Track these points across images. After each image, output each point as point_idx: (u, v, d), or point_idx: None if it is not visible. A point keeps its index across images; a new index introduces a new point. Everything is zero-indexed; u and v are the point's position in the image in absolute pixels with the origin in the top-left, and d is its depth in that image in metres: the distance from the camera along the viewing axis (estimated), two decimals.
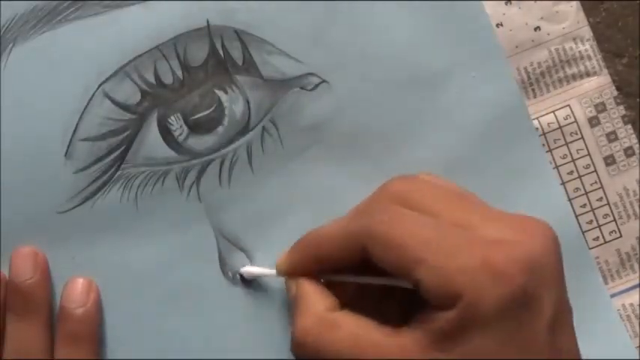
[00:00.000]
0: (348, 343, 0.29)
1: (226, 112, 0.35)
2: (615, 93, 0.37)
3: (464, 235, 0.28)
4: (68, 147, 0.34)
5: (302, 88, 0.35)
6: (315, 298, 0.31)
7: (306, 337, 0.29)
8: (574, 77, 0.37)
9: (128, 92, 0.34)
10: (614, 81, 0.37)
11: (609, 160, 0.37)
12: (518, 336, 0.27)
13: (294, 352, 0.30)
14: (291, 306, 0.32)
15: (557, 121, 0.37)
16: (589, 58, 0.37)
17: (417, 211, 0.29)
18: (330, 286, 0.31)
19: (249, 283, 0.35)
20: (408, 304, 0.30)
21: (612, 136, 0.37)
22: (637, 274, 0.37)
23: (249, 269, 0.34)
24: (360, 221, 0.30)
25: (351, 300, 0.31)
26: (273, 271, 0.33)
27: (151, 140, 0.34)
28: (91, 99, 0.34)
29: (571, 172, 0.37)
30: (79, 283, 0.34)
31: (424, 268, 0.27)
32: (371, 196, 0.32)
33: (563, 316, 0.28)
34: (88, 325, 0.33)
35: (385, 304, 0.32)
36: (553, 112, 0.37)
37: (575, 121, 0.37)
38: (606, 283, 0.36)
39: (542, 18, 0.37)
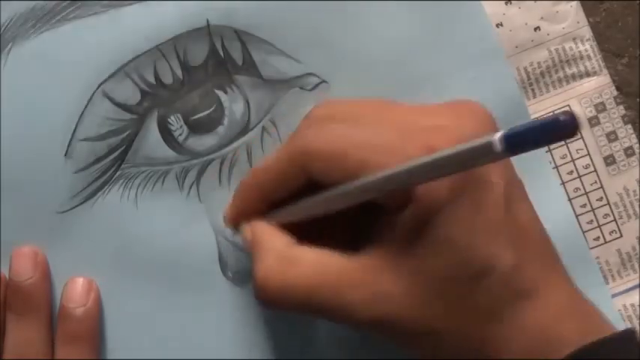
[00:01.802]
0: (312, 274, 0.28)
1: (226, 112, 0.35)
2: (615, 93, 0.37)
3: (399, 128, 0.28)
4: (68, 147, 0.34)
5: (302, 88, 0.35)
6: (271, 238, 0.30)
7: (268, 277, 0.29)
8: (574, 77, 0.37)
9: (128, 92, 0.34)
10: (614, 81, 0.37)
11: (609, 160, 0.37)
12: (475, 216, 0.26)
13: (259, 296, 0.29)
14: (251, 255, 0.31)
15: None
16: (589, 58, 0.37)
17: (348, 122, 0.29)
18: (284, 228, 0.30)
19: (249, 283, 0.35)
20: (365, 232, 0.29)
21: (612, 136, 0.37)
22: (637, 274, 0.36)
23: None
24: (295, 143, 0.29)
25: (306, 238, 0.30)
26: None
27: (151, 140, 0.34)
28: (90, 99, 0.34)
29: (571, 172, 0.37)
30: (79, 282, 0.34)
31: (368, 170, 0.27)
32: (300, 123, 0.31)
33: (514, 188, 0.28)
34: (88, 324, 0.33)
35: (341, 236, 0.31)
36: (553, 112, 0.37)
37: None
38: (607, 283, 0.36)
39: (542, 18, 0.37)
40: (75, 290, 0.34)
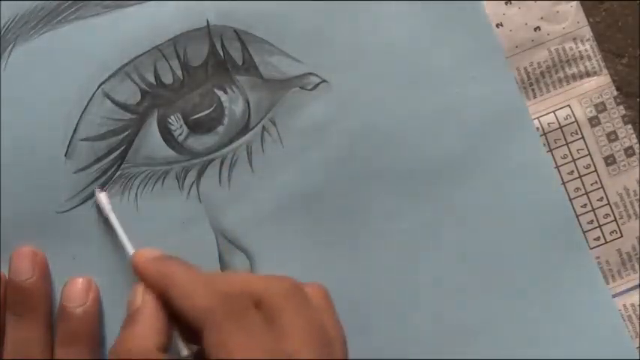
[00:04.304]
0: None
1: (226, 111, 0.35)
2: (615, 93, 0.37)
3: None
4: (68, 147, 0.34)
5: (302, 87, 0.35)
6: (153, 329, 0.30)
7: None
8: (574, 77, 0.37)
9: (128, 92, 0.34)
10: (614, 81, 0.37)
11: (609, 160, 0.37)
12: None
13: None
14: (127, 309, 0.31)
15: (558, 121, 0.37)
16: (589, 58, 0.37)
17: None
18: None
19: None
20: None
21: (612, 136, 0.37)
22: (637, 274, 0.36)
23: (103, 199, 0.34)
24: None
25: None
26: (130, 249, 0.33)
27: (151, 140, 0.34)
28: (91, 99, 0.34)
29: (571, 172, 0.37)
30: (79, 282, 0.34)
31: None
32: None
33: None
34: (88, 324, 0.33)
35: None
36: (553, 112, 0.37)
37: (576, 121, 0.37)
38: (607, 283, 0.36)
39: (542, 18, 0.37)
40: (74, 289, 0.34)
